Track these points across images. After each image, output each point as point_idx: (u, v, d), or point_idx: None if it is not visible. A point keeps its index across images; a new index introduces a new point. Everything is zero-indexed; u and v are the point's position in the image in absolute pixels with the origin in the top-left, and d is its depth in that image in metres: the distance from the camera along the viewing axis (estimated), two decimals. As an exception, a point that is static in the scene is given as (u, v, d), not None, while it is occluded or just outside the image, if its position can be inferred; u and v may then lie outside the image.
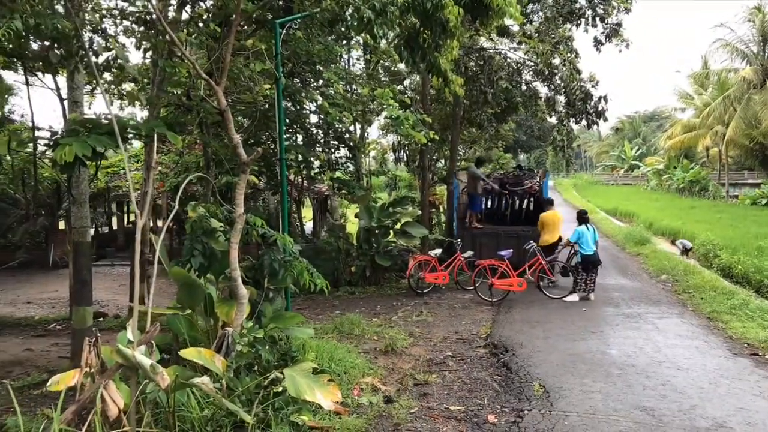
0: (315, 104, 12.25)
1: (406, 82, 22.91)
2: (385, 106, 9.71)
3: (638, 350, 8.52)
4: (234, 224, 5.90)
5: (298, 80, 12.51)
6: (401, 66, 21.44)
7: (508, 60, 17.48)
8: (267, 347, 6.07)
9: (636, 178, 66.50)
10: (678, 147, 50.49)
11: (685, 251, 20.04)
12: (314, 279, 6.66)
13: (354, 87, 12.34)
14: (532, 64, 17.41)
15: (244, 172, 5.99)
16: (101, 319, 12.45)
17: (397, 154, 24.02)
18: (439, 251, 14.47)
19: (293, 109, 13.98)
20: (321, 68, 11.97)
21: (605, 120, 15.85)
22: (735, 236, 22.48)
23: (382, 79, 19.71)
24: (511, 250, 13.38)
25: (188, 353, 4.86)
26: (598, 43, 16.42)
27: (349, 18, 6.28)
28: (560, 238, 13.94)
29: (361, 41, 17.36)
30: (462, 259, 14.06)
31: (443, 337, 9.77)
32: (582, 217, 12.95)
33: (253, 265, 6.61)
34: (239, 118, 11.62)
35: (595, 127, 16.67)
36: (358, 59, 20.91)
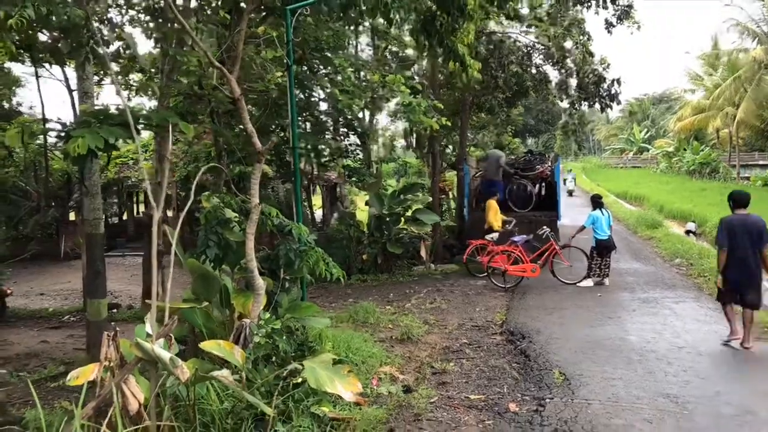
0: (325, 91, 12.13)
1: (415, 68, 22.70)
2: (396, 93, 9.57)
3: (657, 336, 8.42)
4: (249, 214, 5.82)
5: (307, 67, 12.39)
6: (410, 51, 21.25)
7: (518, 44, 17.27)
8: (284, 338, 6.02)
9: (645, 161, 65.96)
10: (688, 129, 49.97)
11: (688, 233, 20.01)
12: (330, 268, 6.60)
13: (363, 73, 12.20)
14: (543, 47, 17.20)
15: (259, 161, 5.91)
16: (115, 310, 12.47)
17: (406, 140, 23.85)
18: (495, 235, 13.78)
19: (303, 96, 13.87)
20: (330, 54, 11.84)
21: (618, 103, 15.67)
22: (748, 219, 22.23)
23: (391, 64, 19.49)
24: (525, 236, 13.27)
25: (208, 345, 4.81)
26: (609, 25, 16.18)
27: (363, 1, 6.15)
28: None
29: (370, 27, 17.24)
30: (557, 247, 13.04)
31: (458, 324, 9.71)
32: (597, 202, 12.82)
33: (268, 256, 6.54)
34: (249, 106, 11.51)
35: (607, 110, 16.48)
36: (367, 45, 20.77)
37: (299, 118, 14.19)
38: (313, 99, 14.58)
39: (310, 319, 6.63)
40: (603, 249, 12.32)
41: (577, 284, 12.34)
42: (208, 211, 6.14)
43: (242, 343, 5.50)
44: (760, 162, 48.44)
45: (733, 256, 7.63)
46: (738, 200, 7.96)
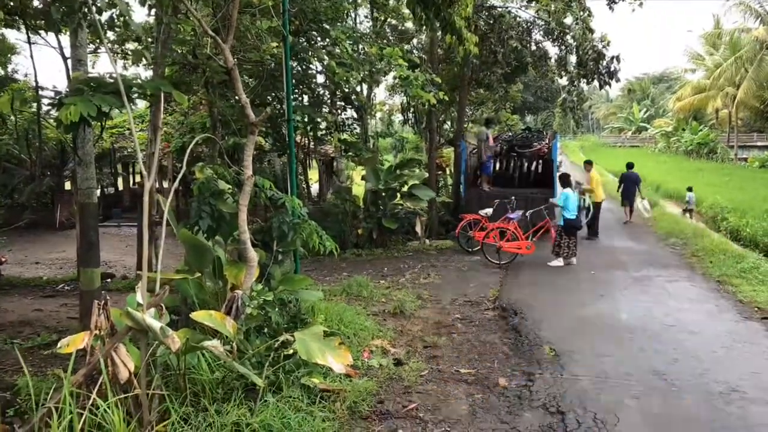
0: (322, 64, 11.99)
1: (414, 42, 22.48)
2: (393, 66, 9.46)
3: (649, 314, 8.47)
4: (242, 186, 5.79)
5: (304, 39, 12.25)
6: (409, 25, 21.02)
7: (519, 19, 17.07)
8: (276, 310, 6.04)
9: (644, 140, 65.81)
10: (687, 109, 49.82)
11: (686, 211, 20.15)
12: (324, 241, 6.59)
13: (361, 47, 12.06)
14: (543, 23, 17.01)
15: (252, 133, 5.85)
16: (109, 280, 12.48)
17: (404, 115, 23.70)
18: (489, 211, 13.88)
19: (300, 69, 13.73)
20: (328, 26, 11.70)
21: (617, 81, 15.52)
22: (743, 199, 22.33)
23: (390, 38, 19.29)
24: (521, 212, 13.27)
25: (199, 316, 4.82)
26: (611, 1, 16.01)
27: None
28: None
29: (369, -1, 17.04)
30: (551, 225, 13.12)
31: (451, 299, 9.75)
32: (566, 181, 12.85)
33: (261, 228, 6.54)
34: (245, 77, 11.40)
35: (606, 87, 16.36)
36: (366, 17, 20.52)
37: (296, 91, 14.08)
38: (310, 71, 14.45)
39: (302, 291, 6.65)
40: (571, 228, 12.34)
41: (548, 264, 12.33)
42: (201, 183, 6.10)
43: (234, 314, 5.50)
44: (758, 143, 48.41)
45: (626, 190, 17.91)
46: (629, 165, 18.21)
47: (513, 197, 14.24)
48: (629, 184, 17.78)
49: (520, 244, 12.49)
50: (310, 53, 11.46)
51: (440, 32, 8.10)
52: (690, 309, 8.78)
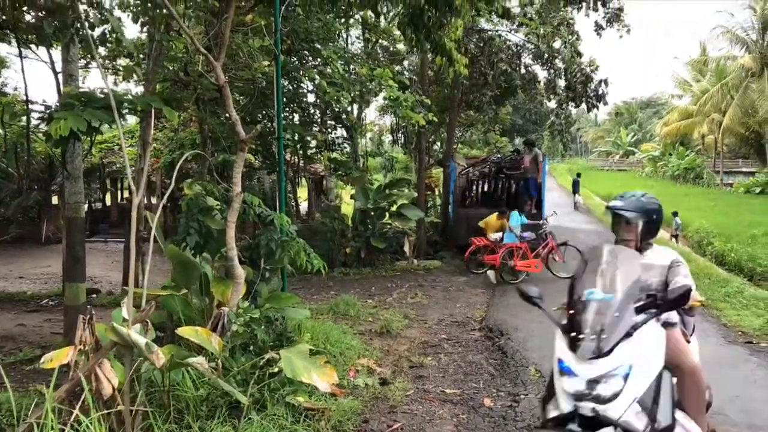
0: (313, 83, 12.10)
1: (405, 63, 22.70)
2: (384, 87, 9.55)
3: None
4: (231, 203, 5.80)
5: (295, 58, 12.36)
6: (400, 46, 21.23)
7: (508, 43, 17.31)
8: (263, 327, 6.03)
9: (631, 164, 66.48)
10: (674, 134, 50.46)
11: (673, 236, 20.39)
12: (311, 259, 6.61)
13: (352, 67, 12.18)
14: (532, 47, 17.25)
15: (242, 150, 5.88)
16: (94, 295, 12.39)
17: (394, 135, 23.86)
18: (500, 235, 13.95)
19: (291, 87, 13.82)
20: (319, 46, 11.82)
21: (605, 104, 15.74)
22: (728, 224, 22.60)
23: (381, 59, 19.46)
24: (531, 233, 13.53)
25: (185, 331, 4.80)
26: (599, 27, 16.27)
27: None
28: None
29: (361, 19, 17.21)
30: (554, 244, 13.55)
31: (438, 319, 9.76)
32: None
33: (249, 245, 6.54)
34: (236, 95, 11.46)
35: (594, 111, 16.61)
36: (357, 38, 20.73)
37: (286, 109, 14.16)
38: (301, 90, 14.55)
39: (289, 309, 6.64)
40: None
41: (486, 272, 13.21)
42: (189, 199, 6.11)
43: (220, 331, 5.49)
44: (743, 169, 49.04)
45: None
46: (578, 174, 31.92)
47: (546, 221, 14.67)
48: (576, 186, 31.06)
49: (530, 263, 12.82)
50: (301, 72, 11.54)
51: (431, 54, 8.19)
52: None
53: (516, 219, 13.39)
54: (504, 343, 8.18)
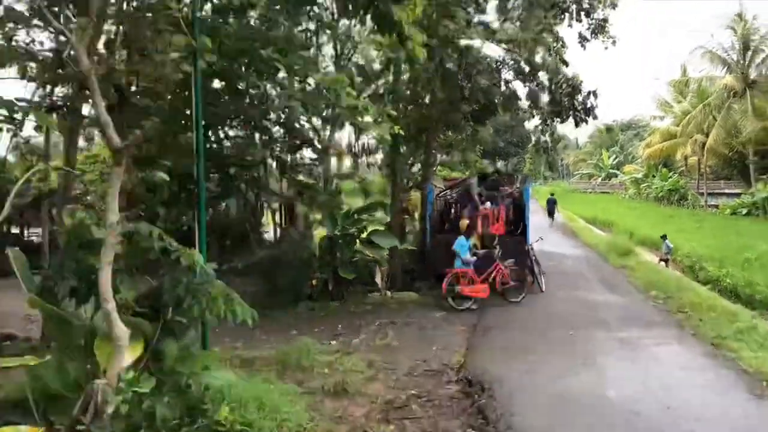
0: (258, 90, 10.69)
1: (380, 82, 21.43)
2: (339, 93, 8.12)
3: (641, 390, 7.08)
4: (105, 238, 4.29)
5: (253, 68, 10.96)
6: (376, 66, 19.93)
7: (488, 59, 16.04)
8: (166, 400, 4.54)
9: (613, 187, 65.70)
10: (657, 155, 49.69)
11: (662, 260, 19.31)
12: (233, 307, 5.07)
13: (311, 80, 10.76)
14: (512, 62, 16.01)
15: (118, 164, 4.38)
16: None
17: (365, 156, 22.55)
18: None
19: (249, 102, 12.39)
20: (279, 57, 10.43)
21: (594, 118, 14.40)
22: (718, 246, 21.59)
23: (357, 79, 18.08)
24: (512, 260, 13.21)
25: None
26: (583, 39, 15.17)
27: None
28: None
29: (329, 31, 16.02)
30: (502, 268, 13.04)
31: (409, 368, 8.29)
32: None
33: (149, 292, 5.03)
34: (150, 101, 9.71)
35: (577, 130, 15.40)
36: (330, 58, 19.44)
37: (234, 125, 12.74)
38: (263, 106, 13.12)
39: (205, 373, 5.12)
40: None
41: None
42: (68, 231, 4.61)
43: (92, 413, 3.99)
44: (726, 190, 48.26)
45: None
46: (552, 193, 34.29)
47: (498, 246, 13.73)
48: (551, 204, 31.83)
49: (477, 288, 12.32)
50: (247, 82, 10.11)
51: (376, 28, 6.74)
52: (689, 383, 7.43)
53: (461, 244, 13.09)
54: (485, 403, 6.69)
